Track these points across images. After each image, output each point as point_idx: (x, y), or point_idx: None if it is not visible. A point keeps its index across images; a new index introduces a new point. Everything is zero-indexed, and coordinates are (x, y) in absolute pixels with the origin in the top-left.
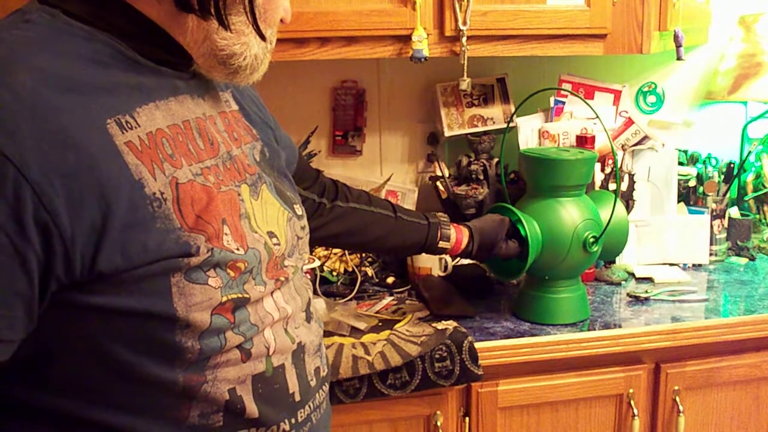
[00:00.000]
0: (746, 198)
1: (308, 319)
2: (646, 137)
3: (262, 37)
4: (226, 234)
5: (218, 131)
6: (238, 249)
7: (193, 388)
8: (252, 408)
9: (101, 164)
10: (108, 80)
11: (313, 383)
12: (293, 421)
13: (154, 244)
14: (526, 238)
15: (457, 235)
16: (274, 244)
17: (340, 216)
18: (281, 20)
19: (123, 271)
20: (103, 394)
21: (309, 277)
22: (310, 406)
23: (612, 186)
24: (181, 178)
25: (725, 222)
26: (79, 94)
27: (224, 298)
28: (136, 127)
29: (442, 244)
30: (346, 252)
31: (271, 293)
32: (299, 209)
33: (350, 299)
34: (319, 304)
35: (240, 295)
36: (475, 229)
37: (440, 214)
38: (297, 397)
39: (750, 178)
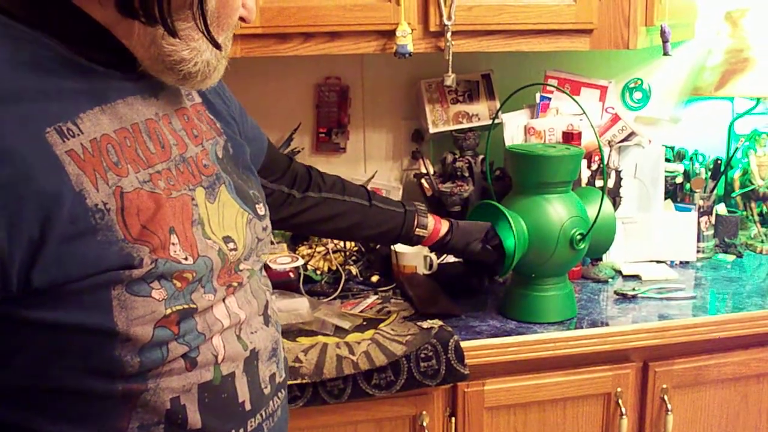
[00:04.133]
0: (733, 195)
1: (266, 322)
2: (632, 133)
3: (215, 45)
4: (173, 244)
5: (173, 131)
6: (186, 259)
7: (132, 397)
8: (195, 418)
9: (40, 176)
10: (47, 86)
11: (267, 391)
12: (241, 431)
13: (94, 256)
14: (507, 247)
15: (436, 224)
16: (230, 250)
17: (312, 206)
18: (243, 19)
19: (61, 284)
20: (39, 405)
21: (292, 275)
22: (261, 415)
23: (598, 183)
24: (127, 186)
25: (712, 219)
26: (13, 103)
27: (168, 311)
28: (78, 135)
29: (419, 231)
30: (330, 251)
31: (223, 299)
32: (262, 209)
33: (334, 298)
34: (303, 303)
35: (186, 306)
36: (455, 222)
37: (418, 203)
38: (247, 407)
39: (737, 174)
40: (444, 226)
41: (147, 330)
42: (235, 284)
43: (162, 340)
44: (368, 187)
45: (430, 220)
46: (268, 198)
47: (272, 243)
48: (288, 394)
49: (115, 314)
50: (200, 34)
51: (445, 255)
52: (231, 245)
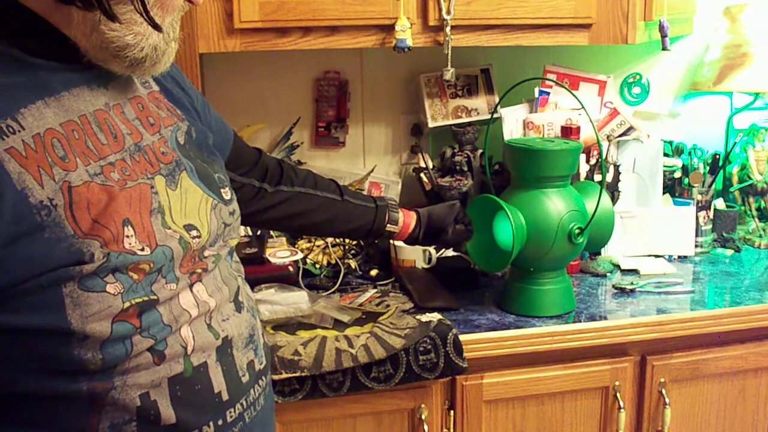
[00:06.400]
0: (731, 189)
1: (238, 309)
2: (631, 128)
3: (156, 27)
4: (128, 236)
5: (126, 121)
6: (142, 250)
7: (99, 396)
8: (168, 413)
9: None
10: None
11: (245, 379)
12: (220, 422)
13: (42, 255)
14: (505, 241)
15: (405, 218)
16: (193, 237)
17: (284, 200)
18: (191, 1)
19: (7, 287)
20: (3, 411)
21: (291, 269)
22: (242, 405)
23: (597, 177)
24: (75, 180)
25: (710, 213)
26: None
27: (126, 305)
28: (19, 131)
29: (390, 227)
30: (329, 244)
31: (190, 287)
32: (228, 193)
33: (333, 292)
34: (302, 296)
35: (146, 298)
36: (422, 213)
37: (389, 197)
38: (224, 396)
39: (735, 169)
40: (413, 220)
41: (104, 326)
42: (199, 271)
43: (123, 334)
44: (367, 182)
45: (401, 215)
46: (238, 192)
47: (273, 234)
48: (287, 387)
49: (68, 312)
50: (142, 18)
51: (443, 249)
52: (194, 233)
